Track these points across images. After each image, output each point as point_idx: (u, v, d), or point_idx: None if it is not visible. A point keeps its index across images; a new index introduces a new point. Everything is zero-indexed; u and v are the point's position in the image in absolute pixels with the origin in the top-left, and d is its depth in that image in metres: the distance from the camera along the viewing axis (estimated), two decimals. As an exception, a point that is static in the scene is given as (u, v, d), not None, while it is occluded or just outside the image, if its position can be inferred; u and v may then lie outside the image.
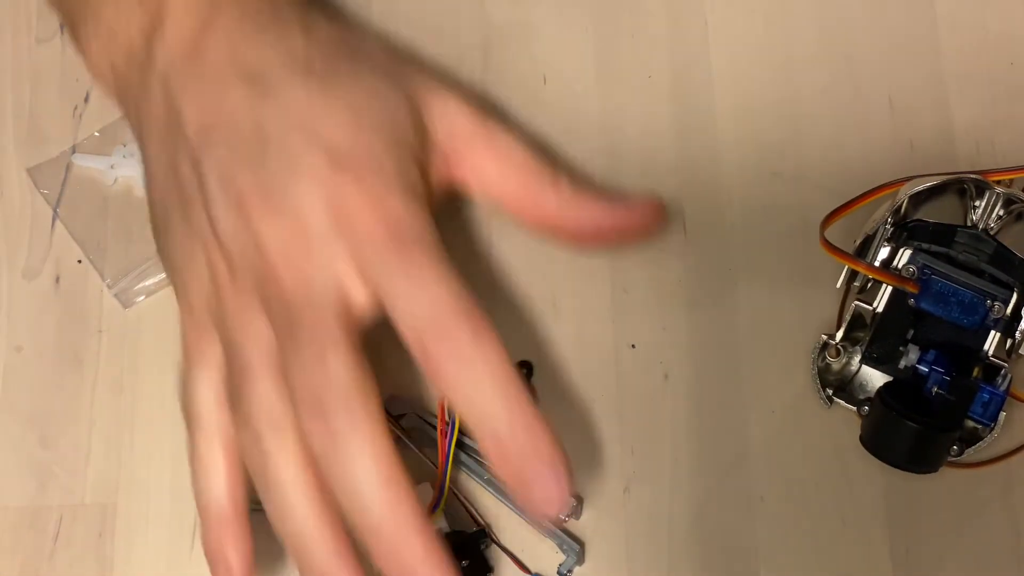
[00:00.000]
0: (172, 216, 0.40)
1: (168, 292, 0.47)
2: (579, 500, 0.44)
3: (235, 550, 0.39)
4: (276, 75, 0.39)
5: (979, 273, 0.43)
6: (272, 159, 0.38)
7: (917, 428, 0.41)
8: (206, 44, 0.40)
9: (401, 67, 0.42)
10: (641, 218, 0.41)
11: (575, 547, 0.43)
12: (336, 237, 0.37)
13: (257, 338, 0.37)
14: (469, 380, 0.35)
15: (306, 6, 0.42)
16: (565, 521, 0.44)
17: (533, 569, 0.43)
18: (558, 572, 0.43)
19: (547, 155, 0.41)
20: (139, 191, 0.49)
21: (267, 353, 0.37)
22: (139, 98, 0.41)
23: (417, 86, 0.41)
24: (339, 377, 0.35)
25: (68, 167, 0.49)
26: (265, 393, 0.37)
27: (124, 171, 0.49)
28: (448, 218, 0.48)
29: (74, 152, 0.49)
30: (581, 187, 0.41)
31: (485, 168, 0.41)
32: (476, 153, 0.41)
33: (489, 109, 0.42)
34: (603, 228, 0.40)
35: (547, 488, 0.35)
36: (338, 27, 0.42)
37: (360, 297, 0.37)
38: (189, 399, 0.40)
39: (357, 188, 0.37)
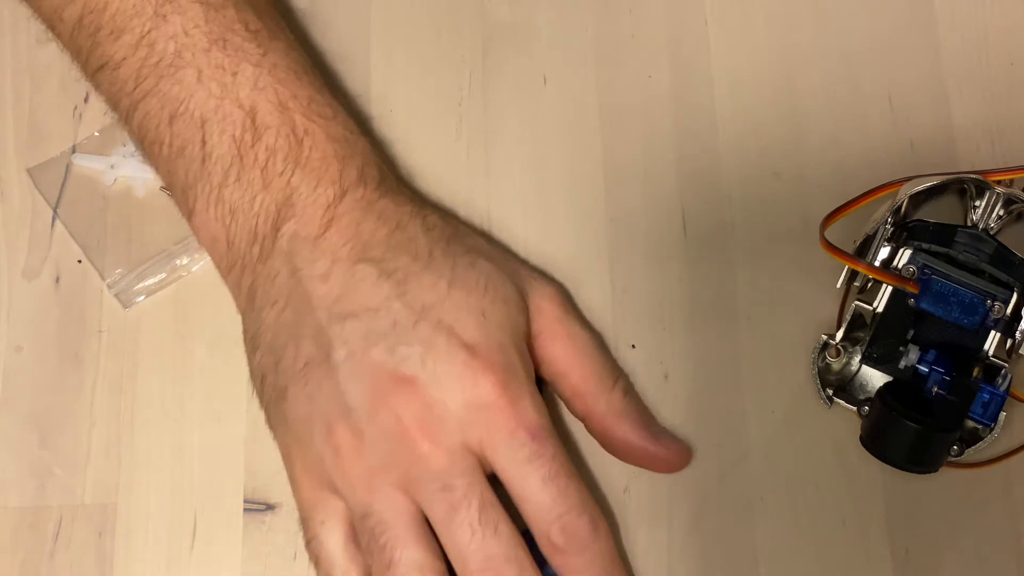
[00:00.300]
0: (289, 385, 0.41)
1: (168, 292, 0.48)
2: None
3: None
4: (403, 266, 0.42)
5: (979, 273, 0.43)
6: (407, 344, 0.40)
7: (917, 428, 0.41)
8: (334, 231, 0.42)
9: (506, 257, 0.45)
10: (665, 455, 0.44)
11: None
12: (473, 418, 0.40)
13: (393, 502, 0.40)
14: (590, 569, 0.41)
15: (419, 202, 0.45)
16: None
17: None
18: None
19: (613, 363, 0.45)
20: (139, 191, 0.49)
21: (405, 514, 0.40)
22: (257, 272, 0.43)
23: (522, 276, 0.44)
24: (509, 543, 0.40)
25: (68, 167, 0.49)
26: (413, 546, 0.40)
27: (124, 171, 0.49)
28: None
29: (74, 152, 0.49)
30: (632, 404, 0.44)
31: (559, 355, 0.44)
32: (556, 340, 0.44)
33: (571, 303, 0.45)
34: (633, 448, 0.44)
35: None
36: (450, 221, 0.45)
37: (489, 469, 0.41)
38: (319, 543, 0.42)
39: (491, 379, 0.40)
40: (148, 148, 0.44)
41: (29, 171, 0.49)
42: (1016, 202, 0.44)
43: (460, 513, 0.40)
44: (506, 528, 0.40)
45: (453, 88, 0.50)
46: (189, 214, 0.44)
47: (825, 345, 0.45)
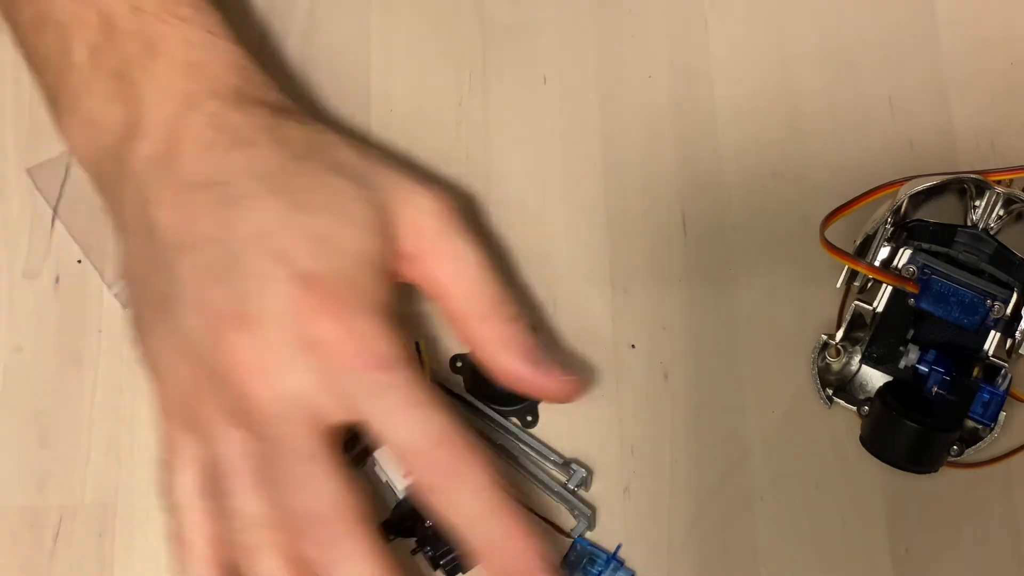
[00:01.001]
0: (150, 318, 0.41)
1: (168, 292, 0.47)
2: (589, 472, 0.44)
3: None
4: (246, 188, 0.40)
5: (979, 273, 0.43)
6: (243, 278, 0.38)
7: (917, 428, 0.41)
8: (179, 152, 0.40)
9: (373, 169, 0.42)
10: (552, 387, 0.41)
11: (587, 512, 0.44)
12: (307, 360, 0.38)
13: (236, 445, 0.38)
14: (458, 501, 0.38)
15: (278, 114, 0.42)
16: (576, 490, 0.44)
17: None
18: (571, 535, 0.44)
19: (501, 286, 0.42)
20: (139, 191, 0.49)
21: (248, 458, 0.38)
22: (116, 194, 0.42)
23: (388, 190, 0.41)
24: (325, 498, 0.37)
25: (68, 167, 0.49)
26: (251, 496, 0.38)
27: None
28: (448, 218, 0.48)
29: (74, 152, 0.49)
30: (518, 331, 0.41)
31: (438, 274, 0.41)
32: (434, 258, 0.41)
33: (462, 206, 0.42)
34: (518, 379, 0.41)
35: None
36: (310, 133, 0.42)
37: (335, 415, 0.38)
38: (171, 488, 0.40)
39: (328, 313, 0.38)
40: (29, 60, 0.43)
41: (29, 171, 0.49)
42: (1016, 202, 0.44)
43: (281, 465, 0.38)
44: (329, 487, 0.37)
45: (453, 88, 0.50)
46: (56, 124, 0.43)
47: (825, 345, 0.45)
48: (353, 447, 0.41)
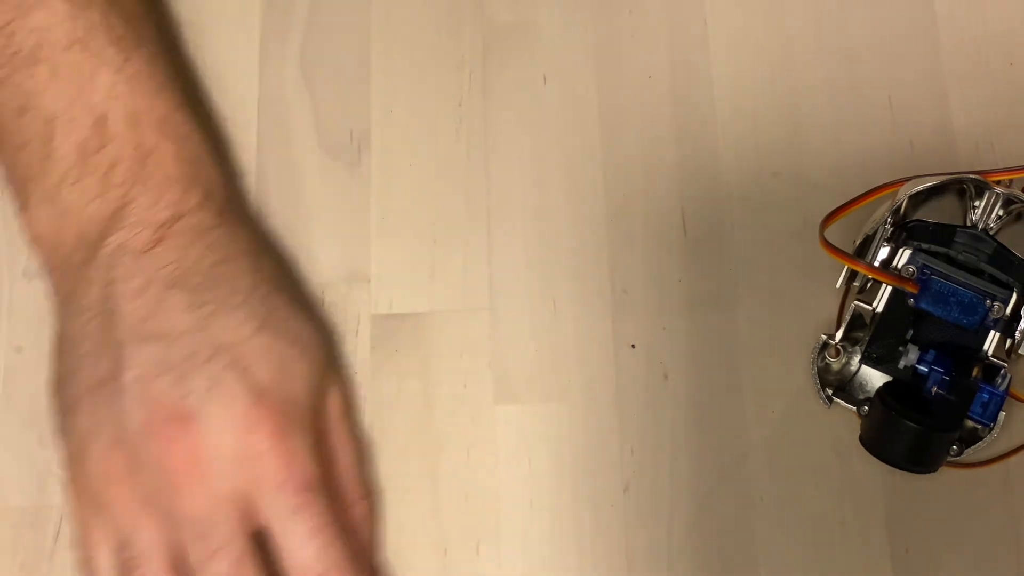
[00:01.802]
0: (84, 397, 0.41)
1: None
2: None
3: None
4: (218, 299, 0.41)
5: (979, 273, 0.43)
6: (195, 378, 0.40)
7: (917, 428, 0.41)
8: (159, 250, 0.42)
9: (325, 337, 0.45)
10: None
11: None
12: (241, 467, 0.40)
13: (151, 533, 0.40)
14: None
15: (257, 240, 0.45)
16: None
17: None
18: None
19: (368, 480, 0.45)
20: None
21: (164, 548, 0.40)
22: (80, 273, 0.42)
23: (332, 359, 0.44)
24: None
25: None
26: None
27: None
28: (450, 215, 0.48)
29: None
30: (366, 524, 0.44)
31: (332, 447, 0.44)
32: (334, 432, 0.44)
33: (351, 410, 0.46)
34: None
35: None
36: (286, 276, 0.45)
37: (256, 523, 0.41)
38: (86, 566, 0.42)
39: (270, 428, 0.40)
40: None
41: (29, 171, 0.49)
42: (1015, 202, 0.44)
43: (212, 566, 0.40)
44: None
45: (453, 88, 0.50)
46: (21, 208, 0.43)
47: (825, 345, 0.45)
48: None
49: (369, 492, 0.44)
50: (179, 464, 0.39)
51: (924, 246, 0.44)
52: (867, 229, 0.45)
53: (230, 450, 0.40)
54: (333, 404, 0.44)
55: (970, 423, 0.43)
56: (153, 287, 0.41)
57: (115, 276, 0.42)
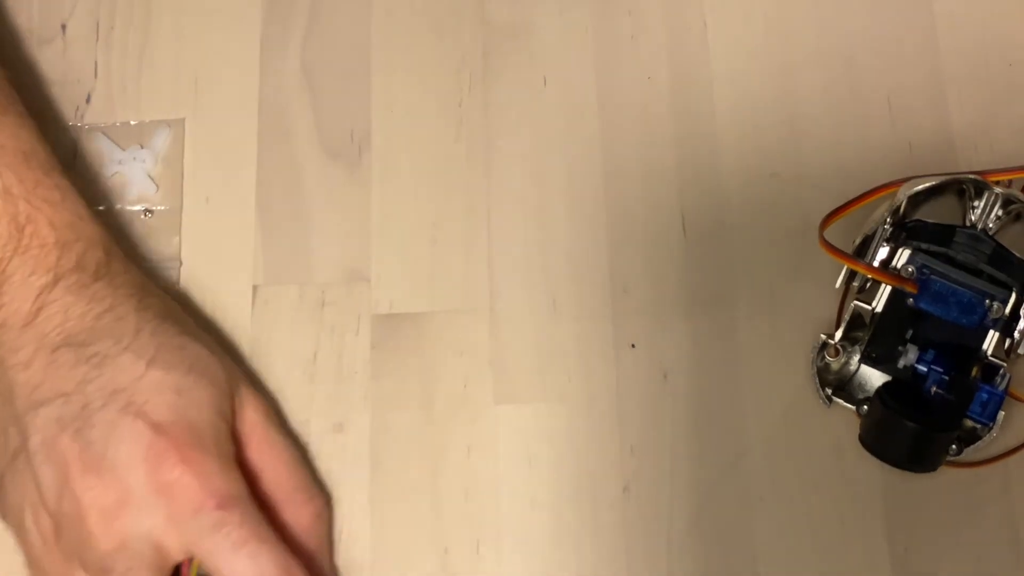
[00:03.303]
0: (7, 474, 0.42)
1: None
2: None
3: None
4: (104, 349, 0.42)
5: (978, 273, 0.43)
6: (94, 427, 0.40)
7: (916, 428, 0.42)
8: (42, 318, 0.42)
9: (223, 356, 0.44)
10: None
11: None
12: (156, 502, 0.40)
13: None
14: None
15: (142, 280, 0.45)
16: None
17: None
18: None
19: (313, 482, 0.45)
20: (131, 193, 0.49)
21: None
22: None
23: (236, 376, 0.44)
24: None
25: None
26: None
27: (125, 168, 0.49)
28: (450, 215, 0.48)
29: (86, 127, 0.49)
30: (318, 528, 0.44)
31: (254, 458, 0.44)
32: (253, 445, 0.44)
33: (274, 418, 0.45)
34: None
35: None
36: (167, 302, 0.45)
37: (177, 554, 0.41)
38: None
39: (178, 457, 0.40)
40: None
41: (29, 171, 0.49)
42: (1014, 202, 0.45)
43: None
44: None
45: (453, 88, 0.50)
46: None
47: (824, 345, 0.45)
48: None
49: (314, 496, 0.44)
50: (88, 509, 0.40)
51: (923, 246, 0.44)
52: (866, 229, 0.45)
53: (142, 487, 0.40)
54: (249, 418, 0.44)
55: (969, 423, 0.43)
56: (40, 354, 0.42)
57: (3, 353, 0.42)
